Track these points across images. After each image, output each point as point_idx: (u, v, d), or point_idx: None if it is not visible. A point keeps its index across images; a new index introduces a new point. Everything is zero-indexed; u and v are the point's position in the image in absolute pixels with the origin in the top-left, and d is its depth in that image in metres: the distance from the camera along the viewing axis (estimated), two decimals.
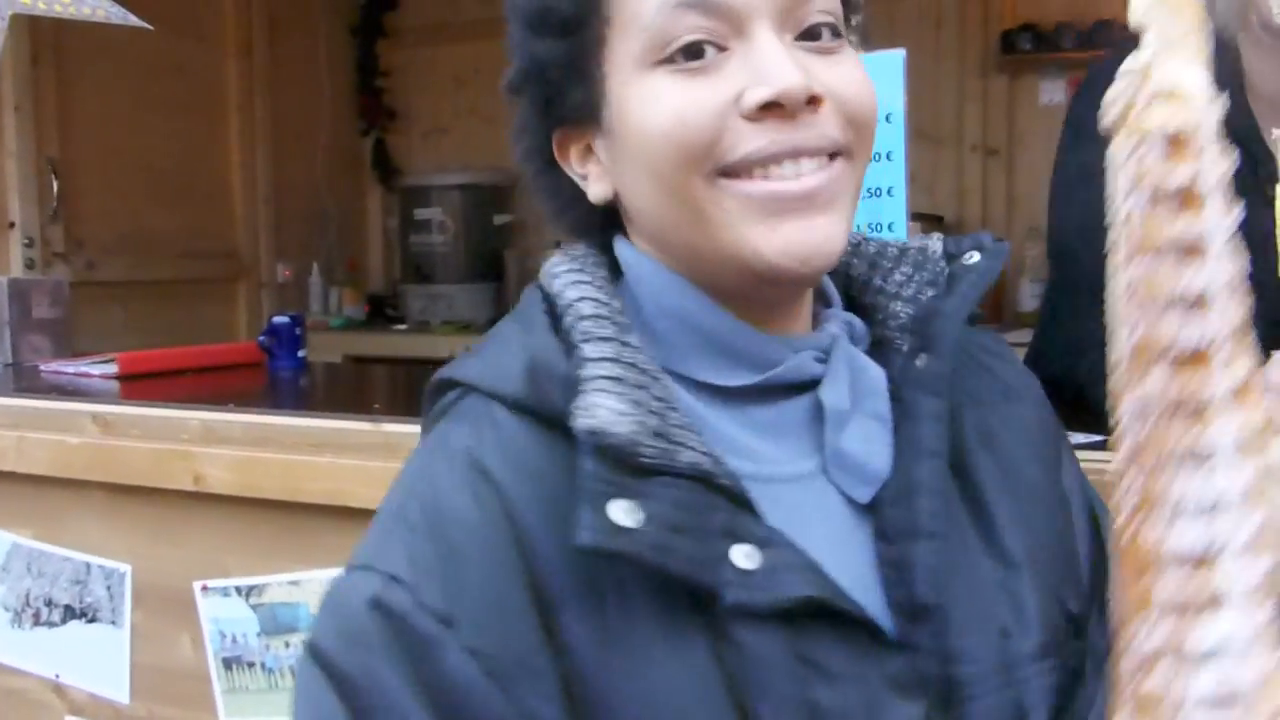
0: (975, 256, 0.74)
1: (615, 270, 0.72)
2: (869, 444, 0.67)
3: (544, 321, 0.69)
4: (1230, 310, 0.47)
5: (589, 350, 0.64)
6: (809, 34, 0.66)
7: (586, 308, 0.67)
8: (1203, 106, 0.47)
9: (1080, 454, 0.80)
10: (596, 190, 0.71)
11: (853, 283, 0.77)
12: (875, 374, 0.70)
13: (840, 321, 0.73)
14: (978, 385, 0.75)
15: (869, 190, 1.20)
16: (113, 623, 1.62)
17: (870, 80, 0.68)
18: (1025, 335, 1.83)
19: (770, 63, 0.63)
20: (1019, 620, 0.66)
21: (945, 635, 0.64)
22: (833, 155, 0.66)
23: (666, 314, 0.69)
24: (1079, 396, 1.20)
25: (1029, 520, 0.70)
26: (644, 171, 0.67)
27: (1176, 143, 0.47)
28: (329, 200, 4.11)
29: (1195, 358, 0.46)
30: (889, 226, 1.20)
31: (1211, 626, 0.45)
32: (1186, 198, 0.47)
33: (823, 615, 0.61)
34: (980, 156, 3.71)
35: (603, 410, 0.60)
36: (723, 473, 0.62)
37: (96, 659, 1.64)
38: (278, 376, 2.17)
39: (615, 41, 0.66)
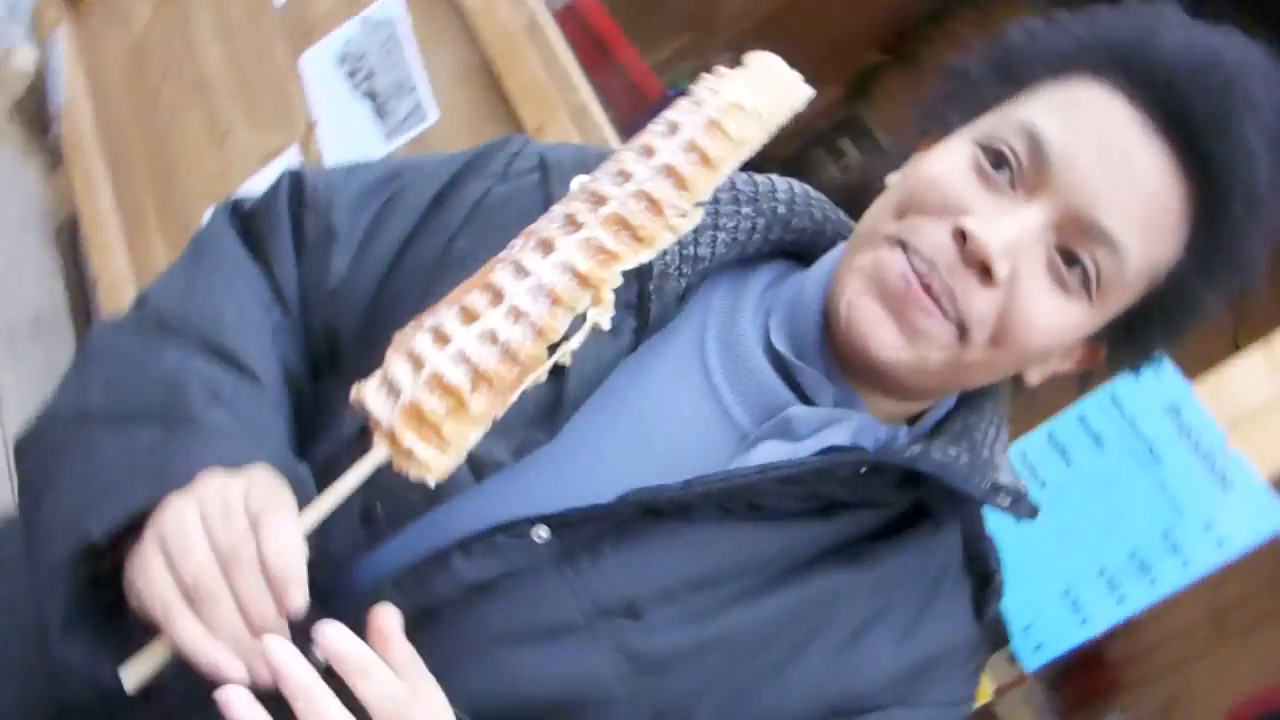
0: (1005, 501, 0.75)
1: None
2: (768, 458, 0.71)
3: None
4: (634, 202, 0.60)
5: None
6: (1067, 255, 0.68)
7: (740, 180, 0.78)
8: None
9: None
10: (893, 176, 0.78)
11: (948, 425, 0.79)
12: (827, 439, 0.73)
13: (892, 426, 0.78)
14: (906, 567, 0.75)
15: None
16: None
17: (1051, 332, 0.69)
18: None
19: (1005, 215, 0.67)
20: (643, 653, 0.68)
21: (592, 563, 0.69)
22: (958, 331, 0.68)
23: (809, 276, 0.78)
24: None
25: (743, 652, 0.70)
26: (894, 186, 0.74)
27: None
28: None
29: (598, 199, 0.60)
30: None
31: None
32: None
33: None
34: None
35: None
36: (659, 296, 0.72)
37: None
38: None
39: (992, 110, 0.73)
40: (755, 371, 0.75)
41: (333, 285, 0.78)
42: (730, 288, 0.79)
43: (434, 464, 0.56)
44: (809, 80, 0.64)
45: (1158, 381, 1.23)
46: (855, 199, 0.85)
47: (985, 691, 1.78)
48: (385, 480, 0.63)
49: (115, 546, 0.63)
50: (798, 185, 0.81)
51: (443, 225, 0.78)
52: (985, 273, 0.66)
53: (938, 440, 0.76)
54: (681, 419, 0.74)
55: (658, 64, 2.80)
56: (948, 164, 0.70)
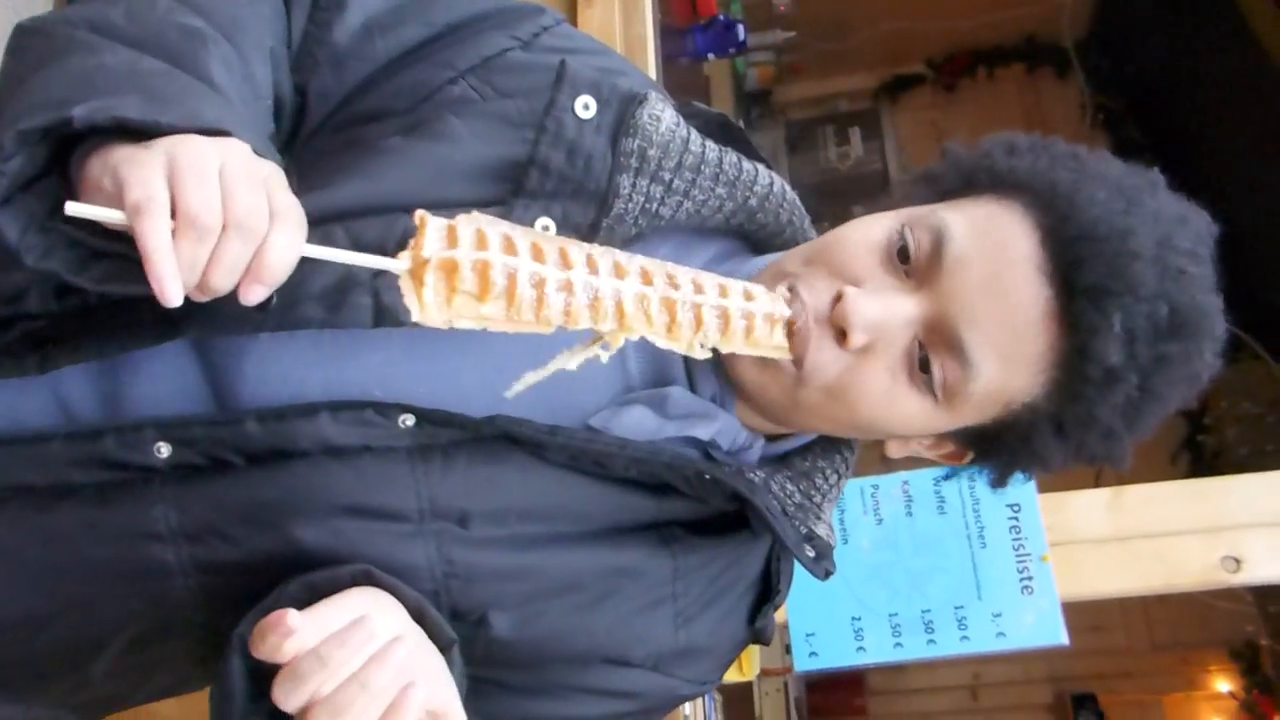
0: (810, 553, 0.80)
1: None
2: (635, 422, 0.76)
3: None
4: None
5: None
6: (926, 360, 0.72)
7: (728, 161, 0.79)
8: None
9: None
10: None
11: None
12: (691, 429, 0.78)
13: (752, 435, 0.82)
14: (707, 568, 0.82)
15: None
16: None
17: (881, 408, 0.74)
18: None
19: (884, 296, 0.72)
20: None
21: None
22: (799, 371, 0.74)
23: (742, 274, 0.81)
24: None
25: (565, 581, 0.76)
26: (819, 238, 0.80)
27: None
28: None
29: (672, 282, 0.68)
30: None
31: None
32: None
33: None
34: None
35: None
36: (609, 235, 0.74)
37: None
38: None
39: (940, 199, 0.77)
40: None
41: (322, 55, 0.79)
42: (677, 249, 0.81)
43: (429, 307, 0.61)
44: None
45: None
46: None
47: (751, 669, 1.91)
48: (291, 280, 0.66)
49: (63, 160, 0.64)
50: (778, 183, 0.83)
51: (448, 62, 0.78)
52: (843, 335, 0.71)
53: (783, 472, 0.81)
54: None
55: None
56: (866, 234, 0.75)
